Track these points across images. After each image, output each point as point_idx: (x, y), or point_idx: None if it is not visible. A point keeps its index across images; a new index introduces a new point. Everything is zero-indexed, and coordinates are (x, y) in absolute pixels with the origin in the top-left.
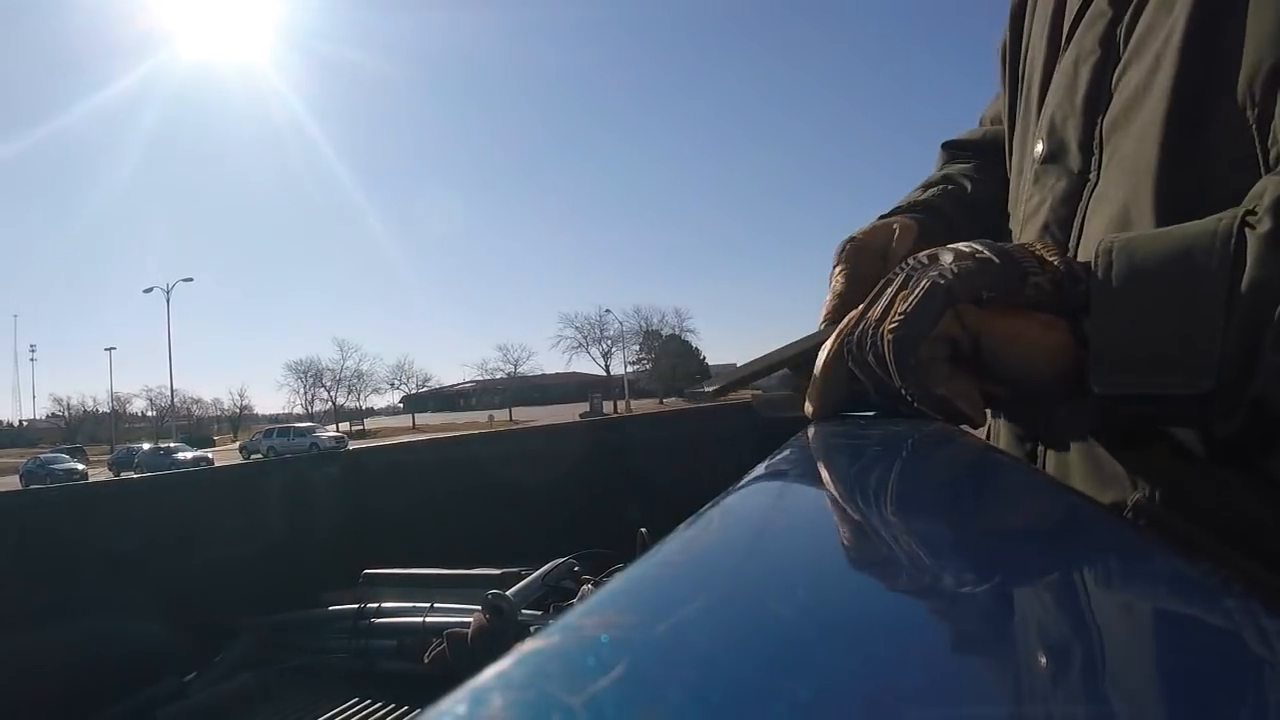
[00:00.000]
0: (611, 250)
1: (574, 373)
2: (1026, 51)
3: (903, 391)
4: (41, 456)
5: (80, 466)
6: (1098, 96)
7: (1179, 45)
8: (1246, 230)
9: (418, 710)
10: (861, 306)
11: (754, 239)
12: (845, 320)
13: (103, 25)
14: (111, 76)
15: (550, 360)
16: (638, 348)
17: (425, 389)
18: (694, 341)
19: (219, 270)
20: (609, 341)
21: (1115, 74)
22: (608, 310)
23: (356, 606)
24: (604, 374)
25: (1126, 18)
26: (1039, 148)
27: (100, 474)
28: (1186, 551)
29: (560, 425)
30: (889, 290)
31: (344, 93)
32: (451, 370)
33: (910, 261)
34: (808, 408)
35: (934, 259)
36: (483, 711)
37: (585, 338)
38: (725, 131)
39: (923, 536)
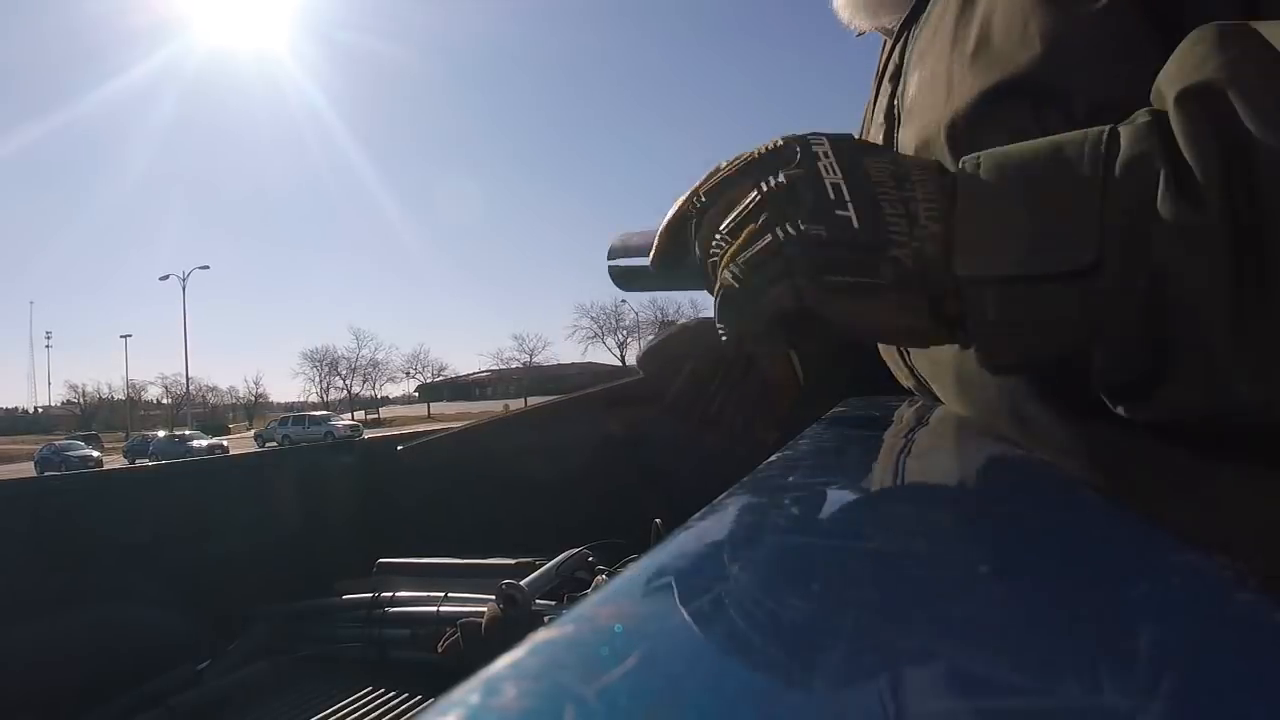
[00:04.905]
0: None
1: (590, 363)
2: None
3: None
4: (56, 443)
5: (95, 454)
6: None
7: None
8: (1120, 128)
9: (431, 699)
10: (717, 194)
11: None
12: (694, 192)
13: (118, 12)
14: (128, 63)
15: (566, 350)
16: (653, 339)
17: (441, 378)
18: None
19: (235, 258)
20: (625, 332)
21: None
22: (624, 300)
23: (370, 596)
24: (620, 364)
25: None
26: None
27: (115, 461)
28: (1193, 546)
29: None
30: (746, 202)
31: (361, 80)
32: (467, 359)
33: (780, 149)
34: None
35: (790, 187)
36: (496, 701)
37: (601, 328)
38: (744, 120)
39: (936, 527)
